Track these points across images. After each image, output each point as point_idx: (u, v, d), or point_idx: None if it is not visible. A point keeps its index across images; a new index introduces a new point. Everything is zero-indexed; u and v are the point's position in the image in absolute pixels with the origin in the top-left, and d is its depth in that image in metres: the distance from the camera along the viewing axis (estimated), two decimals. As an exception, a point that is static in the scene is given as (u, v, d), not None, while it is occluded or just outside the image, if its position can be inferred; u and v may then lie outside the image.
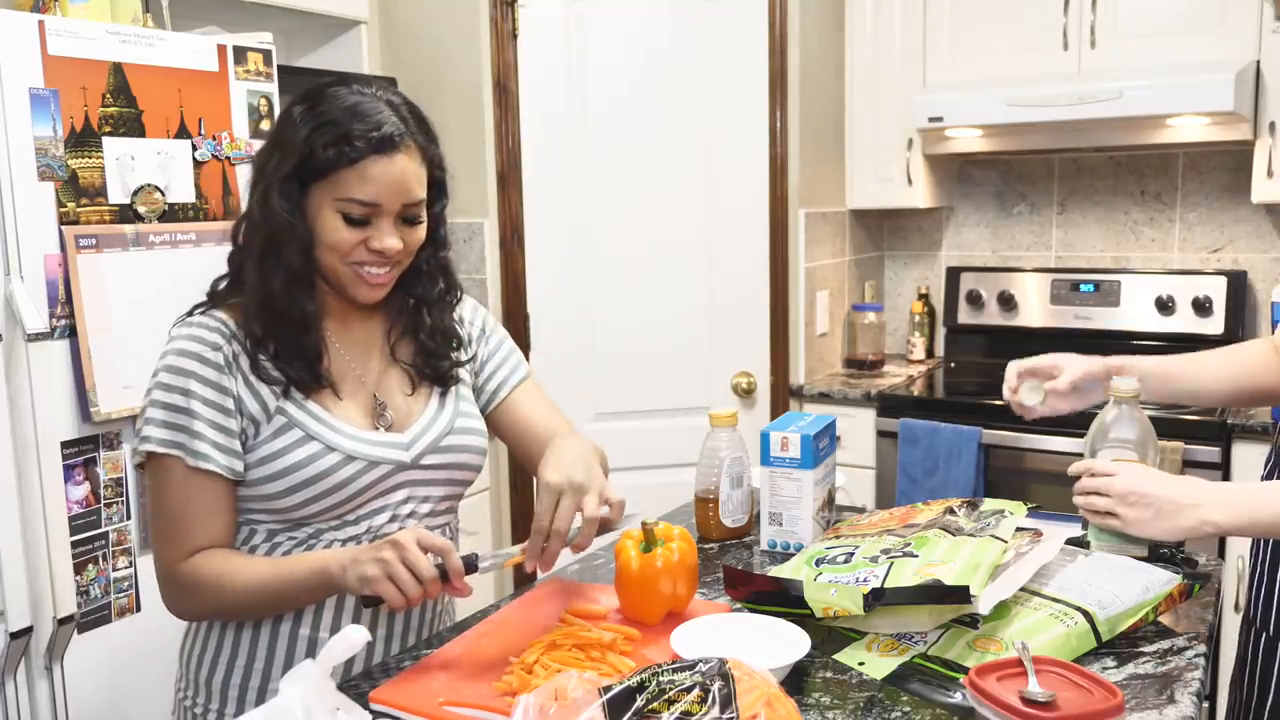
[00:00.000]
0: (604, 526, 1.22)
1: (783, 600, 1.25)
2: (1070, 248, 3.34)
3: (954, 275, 3.42)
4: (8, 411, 1.75)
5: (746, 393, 3.02)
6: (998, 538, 1.29)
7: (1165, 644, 1.21)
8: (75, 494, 1.84)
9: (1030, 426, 2.17)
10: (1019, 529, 1.37)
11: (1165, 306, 3.06)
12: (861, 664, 1.18)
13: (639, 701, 0.88)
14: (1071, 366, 1.52)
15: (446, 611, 1.44)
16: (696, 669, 0.91)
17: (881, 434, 2.94)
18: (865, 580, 1.21)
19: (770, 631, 1.20)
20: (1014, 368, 1.56)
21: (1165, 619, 1.27)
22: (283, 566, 1.22)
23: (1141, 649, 1.20)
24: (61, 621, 1.81)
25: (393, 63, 2.98)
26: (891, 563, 1.24)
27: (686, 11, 2.88)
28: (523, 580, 2.89)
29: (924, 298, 3.48)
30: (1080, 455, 1.41)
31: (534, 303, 2.94)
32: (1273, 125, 2.65)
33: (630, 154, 2.90)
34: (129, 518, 1.93)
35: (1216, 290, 3.00)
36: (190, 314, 1.29)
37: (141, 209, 1.93)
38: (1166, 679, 1.12)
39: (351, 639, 0.98)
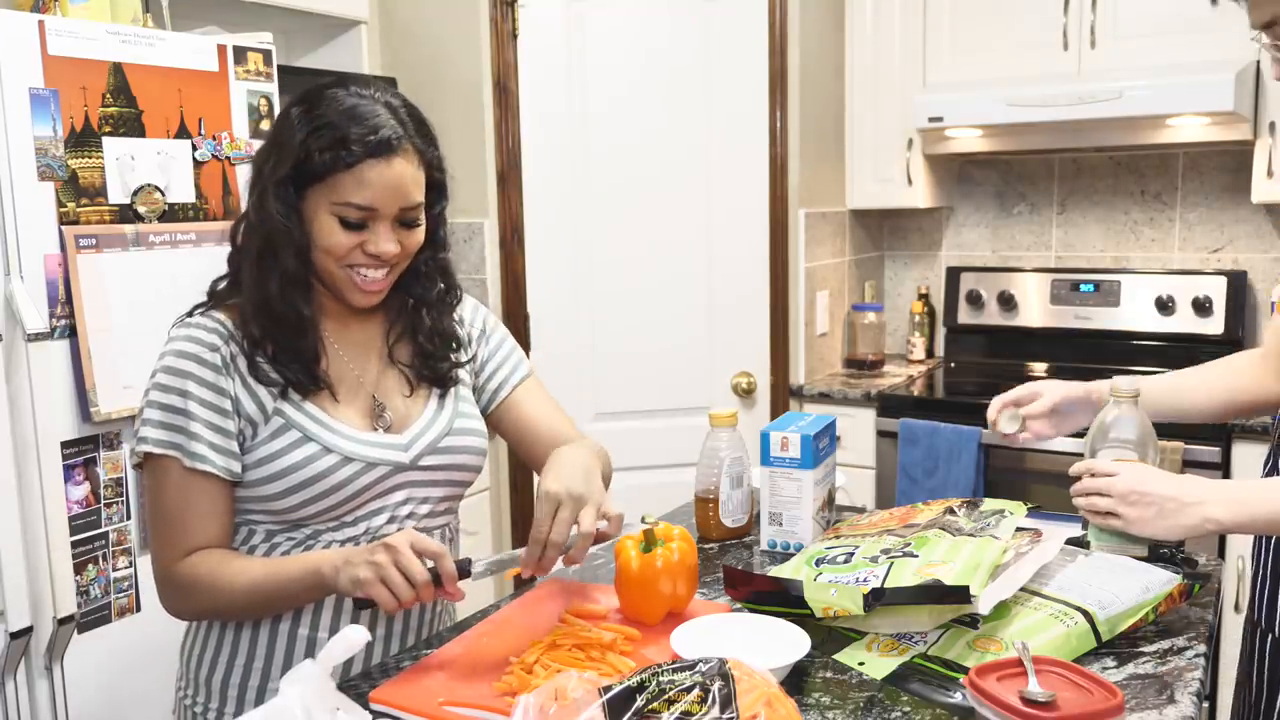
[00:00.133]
0: (600, 538, 1.22)
1: (783, 600, 1.25)
2: (1070, 248, 3.34)
3: (954, 275, 3.42)
4: (8, 411, 1.75)
5: (746, 393, 3.02)
6: (997, 538, 1.30)
7: (1165, 644, 1.21)
8: (75, 494, 1.84)
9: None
10: (1019, 529, 1.37)
11: (1165, 306, 3.06)
12: (861, 664, 1.18)
13: (639, 701, 0.88)
14: (1050, 391, 1.54)
15: (446, 612, 1.44)
16: (696, 669, 0.91)
17: (881, 434, 2.94)
18: (865, 580, 1.21)
19: (770, 631, 1.19)
20: (996, 403, 1.57)
21: (1165, 619, 1.27)
22: (277, 567, 1.22)
23: (1141, 649, 1.20)
24: (61, 621, 1.81)
25: (393, 63, 2.98)
26: (891, 563, 1.24)
27: (686, 11, 2.88)
28: (522, 581, 2.89)
29: (924, 298, 3.48)
30: (1080, 455, 1.41)
31: (534, 303, 2.94)
32: (1273, 125, 2.65)
33: (630, 154, 2.90)
34: (129, 518, 1.93)
35: (1216, 290, 3.00)
36: (190, 314, 1.29)
37: (141, 209, 1.93)
38: (1166, 679, 1.12)
39: (351, 639, 0.98)
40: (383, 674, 1.21)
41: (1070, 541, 1.38)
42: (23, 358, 1.75)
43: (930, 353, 3.48)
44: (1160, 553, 1.37)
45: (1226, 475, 2.51)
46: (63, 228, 1.80)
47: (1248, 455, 2.49)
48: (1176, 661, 1.16)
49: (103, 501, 1.89)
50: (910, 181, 3.16)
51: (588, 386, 2.94)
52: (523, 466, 2.96)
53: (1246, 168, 2.87)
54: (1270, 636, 1.38)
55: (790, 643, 1.16)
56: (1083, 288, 3.19)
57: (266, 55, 2.16)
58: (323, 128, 1.20)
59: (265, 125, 2.15)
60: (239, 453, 1.25)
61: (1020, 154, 3.30)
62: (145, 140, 1.94)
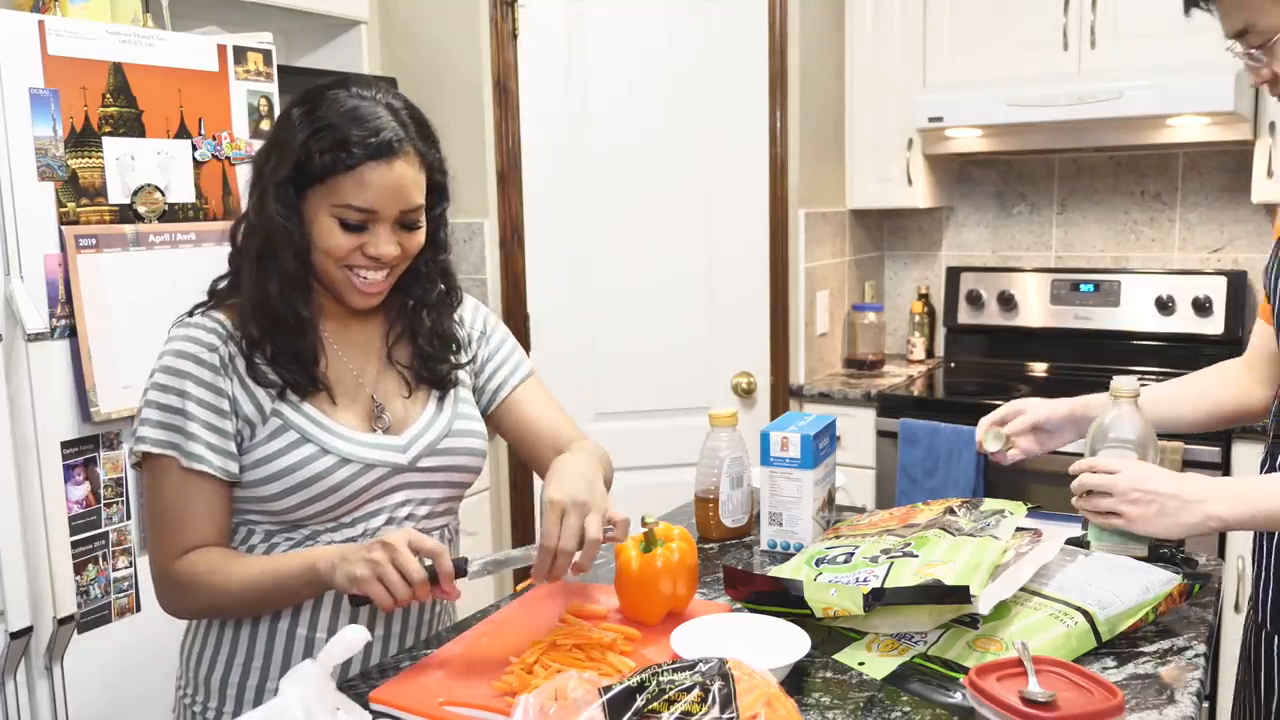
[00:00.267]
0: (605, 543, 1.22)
1: (783, 600, 1.25)
2: (1070, 248, 3.34)
3: (954, 275, 3.42)
4: (8, 411, 1.75)
5: (746, 393, 3.02)
6: (997, 538, 1.30)
7: (1165, 644, 1.21)
8: (75, 494, 1.84)
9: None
10: (1019, 529, 1.37)
11: (1165, 306, 3.06)
12: (861, 664, 1.18)
13: (639, 701, 0.88)
14: (1033, 409, 1.54)
15: (446, 612, 1.44)
16: (696, 669, 0.91)
17: (881, 434, 2.94)
18: (865, 580, 1.21)
19: (770, 631, 1.19)
20: (982, 424, 1.58)
21: (1165, 619, 1.27)
22: (274, 564, 1.22)
23: (1141, 649, 1.20)
24: (61, 621, 1.81)
25: (393, 63, 2.98)
26: (891, 563, 1.24)
27: (686, 11, 2.88)
28: (522, 581, 2.89)
29: (924, 298, 3.49)
30: (1080, 456, 1.41)
31: (534, 303, 2.94)
32: (1273, 125, 2.65)
33: (630, 154, 2.90)
34: (129, 518, 1.93)
35: (1216, 290, 3.00)
36: (191, 314, 1.29)
37: (141, 209, 1.93)
38: (1166, 679, 1.12)
39: (351, 640, 0.98)
40: (382, 674, 1.21)
41: (1070, 541, 1.38)
42: (23, 358, 1.75)
43: (930, 353, 3.48)
44: (1160, 553, 1.37)
45: (1227, 475, 2.51)
46: (63, 228, 1.80)
47: (1248, 455, 2.49)
48: (1176, 661, 1.16)
49: (103, 501, 1.89)
50: (910, 181, 3.16)
51: (588, 386, 2.94)
52: (523, 466, 2.96)
53: (1246, 168, 2.87)
54: (1278, 638, 1.38)
55: (790, 643, 1.16)
56: (1083, 288, 3.19)
57: (266, 55, 2.16)
58: (324, 129, 1.20)
59: (265, 125, 2.15)
60: (237, 453, 1.25)
61: (1020, 154, 3.30)
62: (145, 140, 1.94)
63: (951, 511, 1.43)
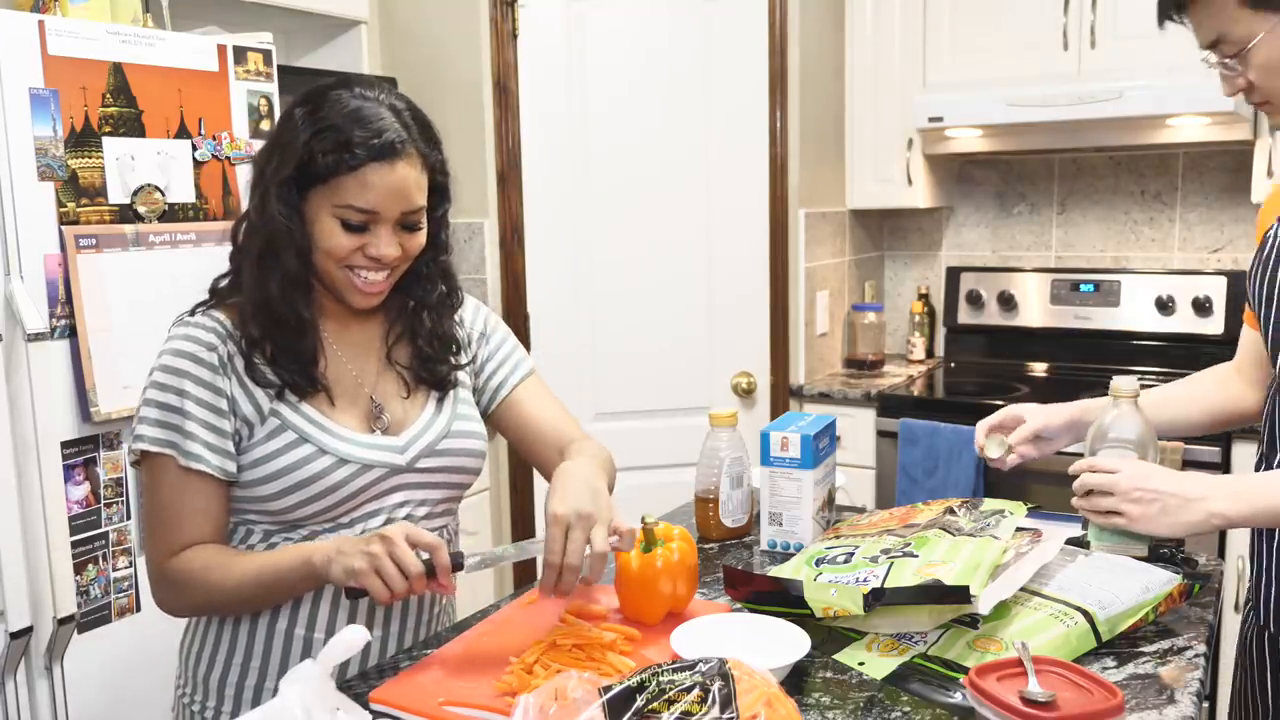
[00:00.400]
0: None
1: (783, 600, 1.25)
2: (1070, 248, 3.34)
3: (954, 275, 3.42)
4: (8, 411, 1.75)
5: (746, 393, 3.02)
6: (997, 538, 1.29)
7: (1165, 644, 1.21)
8: (75, 494, 1.84)
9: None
10: (1019, 529, 1.37)
11: (1165, 306, 3.06)
12: (861, 664, 1.18)
13: (639, 701, 0.88)
14: (1033, 416, 1.54)
15: (446, 612, 1.44)
16: (696, 669, 0.91)
17: (881, 434, 2.94)
18: (865, 580, 1.21)
19: (770, 631, 1.19)
20: (981, 427, 1.57)
21: (1165, 619, 1.27)
22: (269, 559, 1.22)
23: (1141, 649, 1.20)
24: (61, 621, 1.81)
25: (393, 63, 2.98)
26: (891, 563, 1.24)
27: (686, 11, 2.88)
28: (523, 580, 2.89)
29: (924, 298, 3.49)
30: (1080, 455, 1.41)
31: (534, 303, 2.94)
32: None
33: (630, 154, 2.90)
34: (129, 518, 1.93)
35: (1216, 290, 3.00)
36: (191, 313, 1.29)
37: (141, 209, 1.93)
38: (1166, 679, 1.12)
39: (351, 640, 0.98)
40: (382, 674, 1.21)
41: (1070, 541, 1.38)
42: (23, 358, 1.75)
43: (930, 353, 3.48)
44: (1160, 553, 1.37)
45: (1227, 474, 2.51)
46: (63, 228, 1.80)
47: (1248, 455, 2.49)
48: (1176, 661, 1.16)
49: (103, 501, 1.89)
50: (910, 181, 3.16)
51: (588, 386, 2.94)
52: (523, 466, 2.96)
53: (1246, 168, 2.87)
54: None
55: (790, 643, 1.16)
56: (1083, 288, 3.19)
57: (266, 55, 2.16)
58: (326, 130, 1.20)
59: (265, 125, 2.15)
60: (234, 452, 1.25)
61: (1020, 154, 3.31)
62: (145, 140, 1.94)
63: (951, 511, 1.43)
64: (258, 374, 1.25)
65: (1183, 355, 3.01)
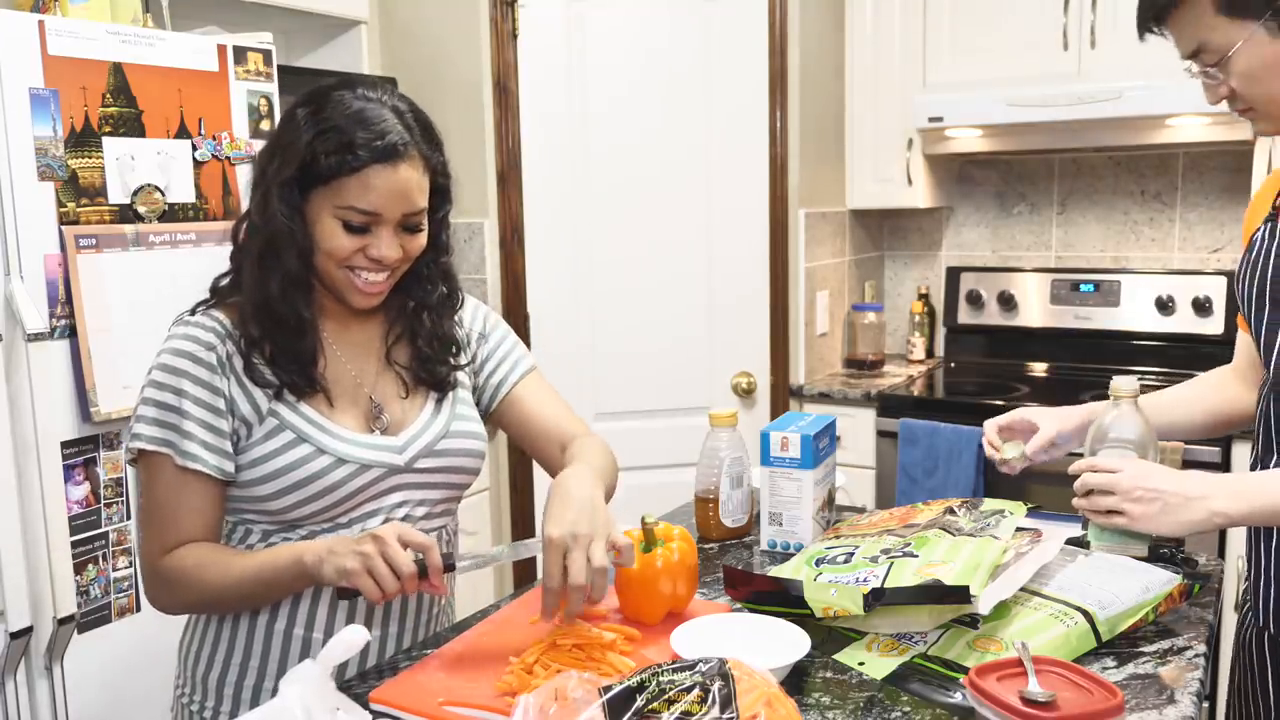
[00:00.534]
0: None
1: (783, 600, 1.25)
2: (1070, 248, 3.34)
3: (954, 275, 3.42)
4: (8, 411, 1.75)
5: (746, 393, 3.02)
6: (997, 538, 1.29)
7: (1165, 644, 1.21)
8: (75, 494, 1.84)
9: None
10: (1019, 529, 1.37)
11: (1165, 306, 3.06)
12: (861, 664, 1.18)
13: (639, 701, 0.88)
14: (1046, 423, 1.53)
15: (445, 612, 1.44)
16: (696, 669, 0.91)
17: (881, 434, 2.94)
18: (865, 580, 1.21)
19: (770, 631, 1.19)
20: (991, 426, 1.57)
21: (1165, 619, 1.27)
22: (261, 557, 1.22)
23: (1141, 649, 1.20)
24: (61, 621, 1.81)
25: (393, 63, 2.98)
26: (891, 563, 1.24)
27: (686, 11, 2.88)
28: (523, 580, 2.89)
29: (924, 298, 3.49)
30: (1080, 455, 1.41)
31: (534, 303, 2.94)
32: (1273, 125, 2.65)
33: (630, 154, 2.90)
34: (129, 518, 1.93)
35: (1216, 290, 3.00)
36: (192, 312, 1.29)
37: (141, 209, 1.93)
38: (1166, 679, 1.12)
39: (351, 640, 0.98)
40: (381, 674, 1.21)
41: (1070, 541, 1.38)
42: (23, 358, 1.75)
43: (930, 353, 3.48)
44: (1160, 553, 1.37)
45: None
46: (63, 228, 1.80)
47: (1248, 455, 2.48)
48: (1176, 661, 1.16)
49: (103, 501, 1.89)
50: (910, 181, 3.16)
51: (588, 386, 2.94)
52: (522, 466, 2.97)
53: (1246, 168, 2.87)
54: None
55: (790, 643, 1.16)
56: (1083, 288, 3.19)
57: (266, 55, 2.16)
58: (329, 130, 1.20)
59: (265, 125, 2.15)
60: (232, 453, 1.25)
61: (1020, 154, 3.30)
62: (145, 140, 1.94)
63: (951, 511, 1.43)
64: (256, 374, 1.25)
65: (1183, 355, 3.01)
